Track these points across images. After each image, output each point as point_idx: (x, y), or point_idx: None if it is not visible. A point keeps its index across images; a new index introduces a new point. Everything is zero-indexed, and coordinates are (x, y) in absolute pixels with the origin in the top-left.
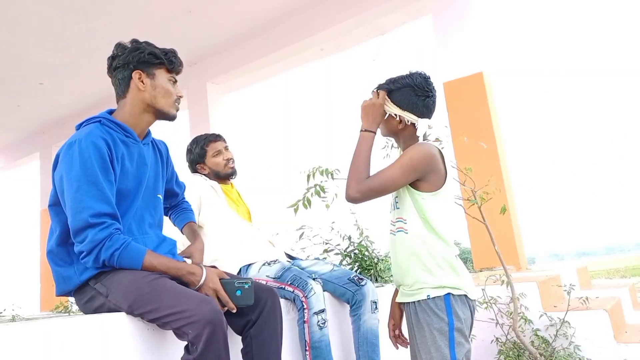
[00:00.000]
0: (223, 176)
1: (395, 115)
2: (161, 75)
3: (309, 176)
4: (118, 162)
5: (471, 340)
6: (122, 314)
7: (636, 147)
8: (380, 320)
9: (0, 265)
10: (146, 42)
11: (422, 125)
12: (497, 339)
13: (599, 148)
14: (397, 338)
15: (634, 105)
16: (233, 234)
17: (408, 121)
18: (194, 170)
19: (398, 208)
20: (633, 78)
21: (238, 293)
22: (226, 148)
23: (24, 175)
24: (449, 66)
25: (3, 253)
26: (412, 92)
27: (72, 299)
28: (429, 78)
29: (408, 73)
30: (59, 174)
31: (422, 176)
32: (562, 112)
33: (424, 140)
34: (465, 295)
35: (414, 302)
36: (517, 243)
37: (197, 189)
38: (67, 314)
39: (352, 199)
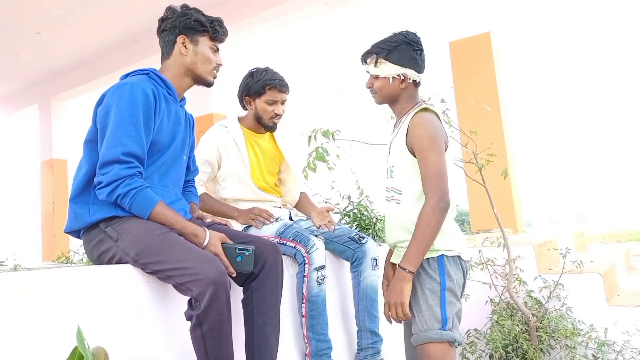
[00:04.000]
0: (261, 124)
1: (399, 75)
2: (204, 43)
3: (310, 138)
4: (158, 115)
5: (465, 300)
6: (125, 266)
7: None
8: (380, 277)
9: (1, 216)
10: (195, 9)
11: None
12: (491, 299)
13: (607, 114)
14: None
15: None
16: (243, 196)
17: (410, 79)
18: (241, 95)
19: (392, 177)
20: None
21: (239, 259)
22: (283, 102)
23: (23, 126)
24: (455, 25)
25: (3, 204)
26: (410, 48)
27: (73, 248)
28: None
29: (396, 32)
30: (105, 109)
31: None
32: (569, 77)
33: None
34: (459, 257)
35: None
36: (515, 206)
37: (216, 145)
38: (68, 265)
39: (446, 204)
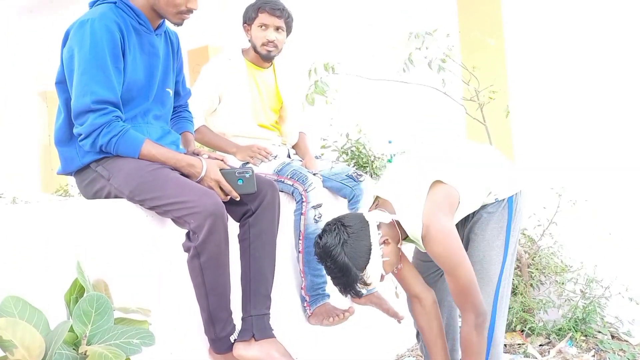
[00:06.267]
0: (257, 54)
1: (382, 243)
2: None
3: (310, 72)
4: (130, 52)
5: None
6: (123, 200)
7: None
8: None
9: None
10: None
11: (383, 216)
12: None
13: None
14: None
15: None
16: (242, 132)
17: (390, 221)
18: (242, 24)
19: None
20: None
21: (240, 182)
22: (277, 28)
23: (17, 58)
24: None
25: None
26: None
27: (71, 181)
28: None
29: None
30: (69, 52)
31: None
32: (583, 10)
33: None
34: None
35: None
36: (514, 145)
37: (217, 78)
38: (66, 197)
39: (484, 315)
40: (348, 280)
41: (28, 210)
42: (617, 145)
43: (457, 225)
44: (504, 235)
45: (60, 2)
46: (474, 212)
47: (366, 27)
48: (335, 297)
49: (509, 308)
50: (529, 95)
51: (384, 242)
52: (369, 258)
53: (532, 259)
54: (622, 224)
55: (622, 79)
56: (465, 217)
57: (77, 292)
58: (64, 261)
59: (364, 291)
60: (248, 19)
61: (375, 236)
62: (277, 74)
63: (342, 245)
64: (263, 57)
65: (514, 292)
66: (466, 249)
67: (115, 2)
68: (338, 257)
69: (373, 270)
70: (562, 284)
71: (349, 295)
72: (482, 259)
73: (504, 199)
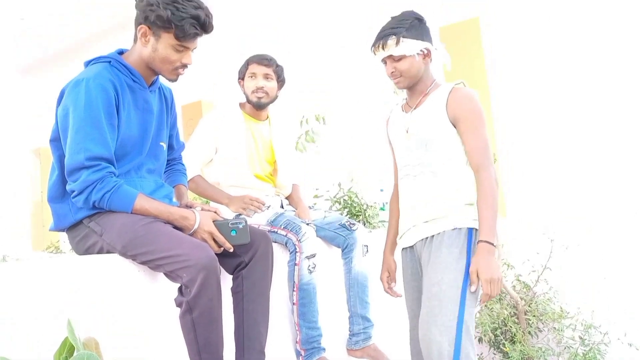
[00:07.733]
0: (250, 104)
1: (422, 50)
2: (166, 40)
3: (301, 122)
4: (124, 109)
5: None
6: (114, 256)
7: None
8: (370, 264)
9: None
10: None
11: (441, 51)
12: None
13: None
14: (392, 290)
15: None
16: (237, 182)
17: (431, 52)
18: (237, 77)
19: (428, 151)
20: None
21: (233, 233)
22: (266, 75)
23: (9, 115)
24: (445, 10)
25: None
26: (421, 23)
27: (63, 238)
28: None
29: (403, 12)
30: (64, 111)
31: None
32: (564, 61)
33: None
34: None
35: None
36: (503, 192)
37: (214, 129)
38: (57, 254)
39: (493, 180)
40: (396, 30)
41: (18, 268)
42: (607, 189)
43: (411, 252)
44: (464, 261)
45: (56, 61)
46: (432, 236)
47: (357, 77)
48: (330, 351)
49: (508, 357)
50: (516, 142)
51: (427, 53)
52: (417, 39)
53: (529, 306)
54: (616, 268)
55: (608, 123)
56: (422, 241)
57: (67, 351)
58: (54, 319)
59: (392, 51)
60: (241, 74)
61: (429, 43)
62: (272, 127)
63: (417, 18)
64: (255, 105)
65: (512, 341)
66: (423, 275)
67: (109, 61)
68: (409, 16)
69: (408, 46)
70: (561, 330)
71: (381, 48)
72: (440, 281)
73: (462, 229)
